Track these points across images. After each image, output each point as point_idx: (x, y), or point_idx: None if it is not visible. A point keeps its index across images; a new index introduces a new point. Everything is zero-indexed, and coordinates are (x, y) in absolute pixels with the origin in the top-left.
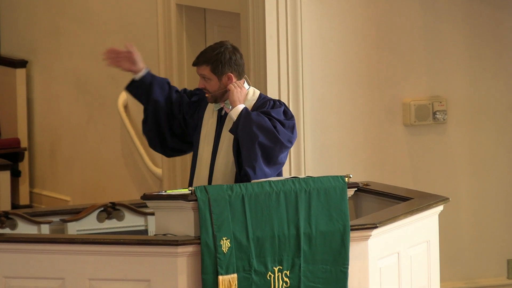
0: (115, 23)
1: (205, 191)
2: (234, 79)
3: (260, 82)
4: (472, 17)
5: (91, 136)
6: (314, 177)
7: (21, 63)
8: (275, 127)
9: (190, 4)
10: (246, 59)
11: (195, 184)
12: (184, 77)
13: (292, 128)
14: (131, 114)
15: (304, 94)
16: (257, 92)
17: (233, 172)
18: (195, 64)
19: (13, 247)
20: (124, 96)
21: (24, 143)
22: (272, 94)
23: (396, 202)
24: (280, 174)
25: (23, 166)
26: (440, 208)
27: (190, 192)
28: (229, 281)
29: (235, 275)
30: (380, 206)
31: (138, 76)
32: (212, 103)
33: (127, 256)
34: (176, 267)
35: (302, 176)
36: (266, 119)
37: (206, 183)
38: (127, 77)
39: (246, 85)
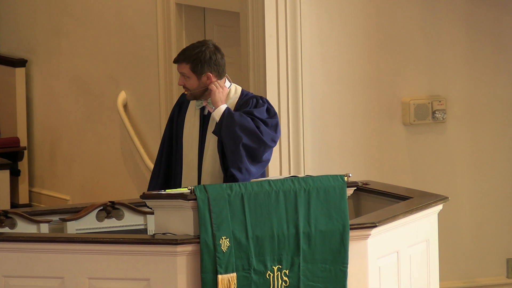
0: (114, 22)
1: (205, 190)
2: (213, 79)
3: (260, 81)
4: (471, 16)
5: (91, 135)
6: (314, 176)
7: (21, 62)
8: (258, 127)
9: (190, 3)
10: (246, 58)
11: (184, 186)
12: None
13: (276, 127)
14: (131, 113)
15: (304, 93)
16: (239, 89)
17: (221, 172)
18: (175, 61)
19: (12, 246)
20: (123, 95)
21: (23, 142)
22: (271, 93)
23: (396, 201)
24: (264, 173)
25: (23, 165)
26: (439, 207)
27: (189, 191)
28: (229, 280)
29: (235, 274)
30: (379, 205)
31: None
32: (191, 100)
33: (126, 255)
34: (175, 266)
35: (302, 175)
36: (249, 119)
37: (195, 184)
38: (127, 77)
39: (227, 82)
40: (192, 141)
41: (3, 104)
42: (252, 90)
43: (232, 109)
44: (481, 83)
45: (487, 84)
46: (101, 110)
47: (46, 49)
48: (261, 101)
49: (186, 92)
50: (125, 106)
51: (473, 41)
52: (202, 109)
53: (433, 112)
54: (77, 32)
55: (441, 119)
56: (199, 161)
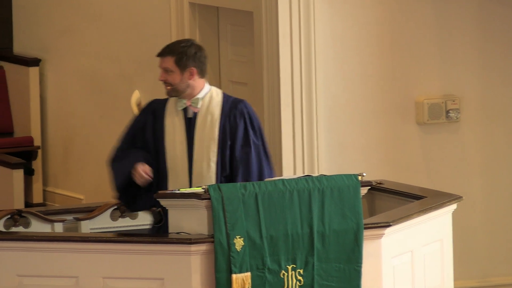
0: (128, 21)
1: (219, 189)
2: (195, 75)
3: (274, 81)
4: (485, 16)
5: (104, 134)
6: (328, 176)
7: (34, 62)
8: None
9: (203, 3)
10: (259, 58)
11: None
12: None
13: (263, 135)
14: None
15: (317, 93)
16: (220, 91)
17: (212, 174)
18: (160, 54)
19: (26, 246)
20: (137, 94)
21: (37, 142)
22: (285, 93)
23: (410, 200)
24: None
25: (37, 164)
26: (453, 206)
27: (203, 190)
28: (243, 279)
29: (249, 273)
30: (393, 205)
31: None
32: (171, 96)
33: (140, 254)
34: (189, 265)
35: (316, 174)
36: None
37: (187, 187)
38: (140, 76)
39: (207, 84)
40: (179, 146)
41: (17, 103)
42: (266, 90)
43: (218, 111)
44: (495, 82)
45: (501, 84)
46: (115, 109)
47: (59, 48)
48: (254, 116)
49: (167, 88)
50: (138, 105)
51: (486, 40)
52: (184, 111)
53: (447, 112)
54: (90, 31)
55: (455, 118)
56: (189, 164)
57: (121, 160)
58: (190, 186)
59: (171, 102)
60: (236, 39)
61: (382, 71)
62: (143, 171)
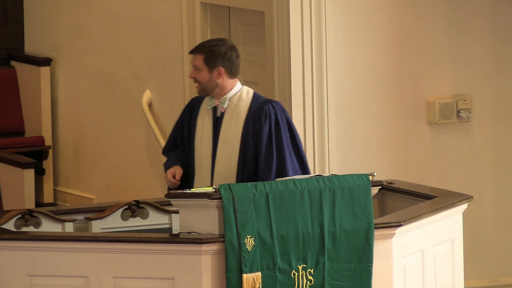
0: (139, 21)
1: (229, 189)
2: (224, 75)
3: (285, 80)
4: (496, 15)
5: (115, 134)
6: (338, 175)
7: (46, 61)
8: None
9: (215, 3)
10: (271, 57)
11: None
12: None
13: (296, 135)
14: (155, 112)
15: (329, 92)
16: (251, 92)
17: (234, 176)
18: (191, 52)
19: (37, 245)
20: (148, 94)
21: (48, 141)
22: (296, 92)
23: (420, 200)
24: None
25: (47, 164)
26: (464, 206)
27: (214, 190)
28: (253, 279)
29: (259, 273)
30: (404, 205)
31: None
32: (202, 95)
33: (151, 254)
34: (200, 265)
35: (326, 174)
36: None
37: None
38: (151, 76)
39: (239, 85)
40: (205, 144)
41: (28, 103)
42: (277, 90)
43: (245, 111)
44: (506, 82)
45: None
46: (126, 109)
47: (71, 48)
48: (280, 116)
49: (197, 87)
50: (150, 105)
51: (498, 40)
52: (214, 110)
53: (458, 111)
54: (101, 31)
55: (466, 118)
56: (212, 163)
57: (165, 166)
58: (212, 185)
59: (206, 101)
60: (248, 38)
61: (393, 70)
62: (171, 175)
